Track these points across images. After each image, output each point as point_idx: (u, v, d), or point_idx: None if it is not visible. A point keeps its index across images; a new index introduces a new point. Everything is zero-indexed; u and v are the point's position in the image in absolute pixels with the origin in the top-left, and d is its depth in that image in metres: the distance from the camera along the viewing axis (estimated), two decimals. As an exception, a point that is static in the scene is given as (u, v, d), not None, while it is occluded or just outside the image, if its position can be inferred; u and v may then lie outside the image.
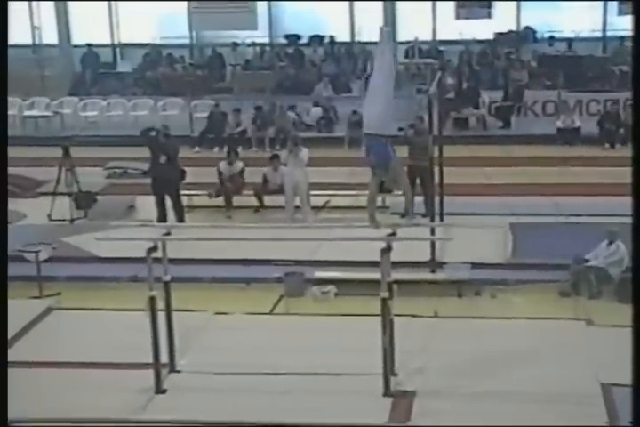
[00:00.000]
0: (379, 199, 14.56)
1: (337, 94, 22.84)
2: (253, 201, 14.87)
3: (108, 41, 26.64)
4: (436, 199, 12.21)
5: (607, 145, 19.25)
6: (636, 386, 5.75)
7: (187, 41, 26.53)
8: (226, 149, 18.54)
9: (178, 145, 14.49)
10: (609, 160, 17.85)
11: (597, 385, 8.76)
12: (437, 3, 25.03)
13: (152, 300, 8.81)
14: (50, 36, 26.21)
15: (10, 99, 18.75)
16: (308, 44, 25.91)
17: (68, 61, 26.21)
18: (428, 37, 24.50)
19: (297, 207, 14.39)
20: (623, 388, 8.60)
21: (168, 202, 13.97)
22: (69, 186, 14.55)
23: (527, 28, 25.46)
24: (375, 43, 8.92)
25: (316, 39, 25.96)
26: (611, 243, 11.37)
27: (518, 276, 11.70)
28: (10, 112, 19.89)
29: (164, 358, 9.09)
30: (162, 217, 13.83)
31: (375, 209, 8.80)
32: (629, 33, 23.70)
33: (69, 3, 26.08)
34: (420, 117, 14.66)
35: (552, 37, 24.95)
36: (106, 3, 26.23)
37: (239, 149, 18.67)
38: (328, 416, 8.20)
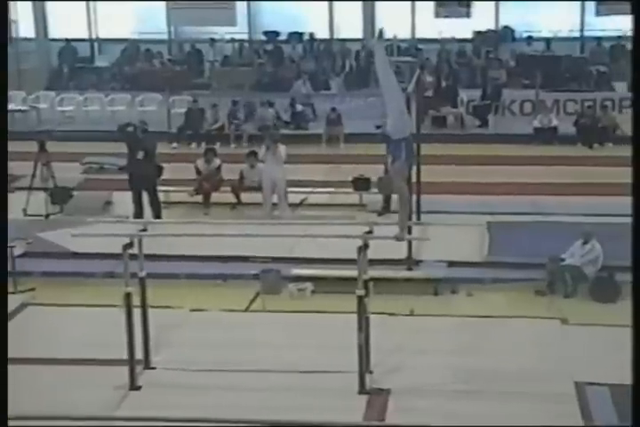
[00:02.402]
0: (356, 197, 14.70)
1: (316, 91, 22.83)
2: (231, 198, 14.84)
3: (85, 35, 26.52)
4: (414, 197, 12.21)
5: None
6: (636, 386, 5.74)
7: (165, 36, 26.45)
8: (203, 145, 18.62)
9: (155, 141, 14.44)
10: (586, 160, 17.97)
11: (571, 384, 8.79)
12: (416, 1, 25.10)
13: (128, 296, 8.77)
14: (27, 29, 26.05)
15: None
16: (286, 41, 25.89)
17: (45, 55, 26.07)
18: (407, 35, 24.59)
19: (274, 204, 14.38)
20: (597, 387, 8.68)
21: (145, 198, 13.92)
22: (45, 181, 14.46)
23: (506, 27, 25.57)
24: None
25: (295, 36, 25.94)
26: (586, 242, 11.43)
27: (494, 274, 11.72)
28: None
29: (139, 354, 9.05)
30: (138, 213, 13.78)
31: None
32: (606, 33, 24.13)
33: (47, -4, 25.99)
34: None
35: (530, 37, 25.07)
36: (84, -3, 26.14)
37: (217, 145, 18.76)
38: (303, 414, 8.19)
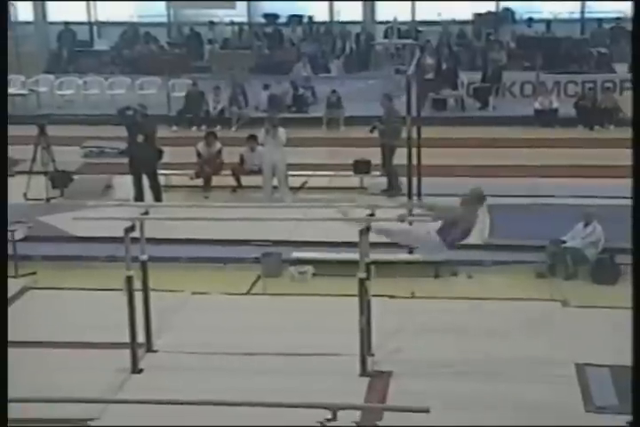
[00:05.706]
0: (356, 180, 14.70)
1: (315, 74, 22.77)
2: (231, 181, 14.83)
3: (84, 18, 26.43)
4: (414, 180, 12.21)
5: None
6: (635, 383, 5.73)
7: (164, 19, 26.36)
8: (204, 128, 18.58)
9: (155, 124, 14.41)
10: (587, 142, 17.93)
11: (572, 365, 8.81)
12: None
13: (129, 279, 8.78)
14: (25, 12, 25.95)
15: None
16: (286, 24, 25.80)
17: (44, 39, 25.99)
18: (407, 18, 24.50)
19: (275, 187, 14.37)
20: (597, 368, 8.71)
21: (145, 181, 13.90)
22: (45, 165, 14.45)
23: (506, 9, 25.50)
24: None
25: (295, 19, 25.86)
26: (587, 224, 11.43)
27: (495, 257, 11.73)
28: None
29: (141, 337, 9.07)
30: (139, 197, 13.77)
31: None
32: (607, 15, 24.05)
33: (45, -21, 25.90)
34: (387, 96, 14.72)
35: (531, 19, 24.99)
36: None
37: (218, 128, 18.73)
38: (304, 396, 8.18)
